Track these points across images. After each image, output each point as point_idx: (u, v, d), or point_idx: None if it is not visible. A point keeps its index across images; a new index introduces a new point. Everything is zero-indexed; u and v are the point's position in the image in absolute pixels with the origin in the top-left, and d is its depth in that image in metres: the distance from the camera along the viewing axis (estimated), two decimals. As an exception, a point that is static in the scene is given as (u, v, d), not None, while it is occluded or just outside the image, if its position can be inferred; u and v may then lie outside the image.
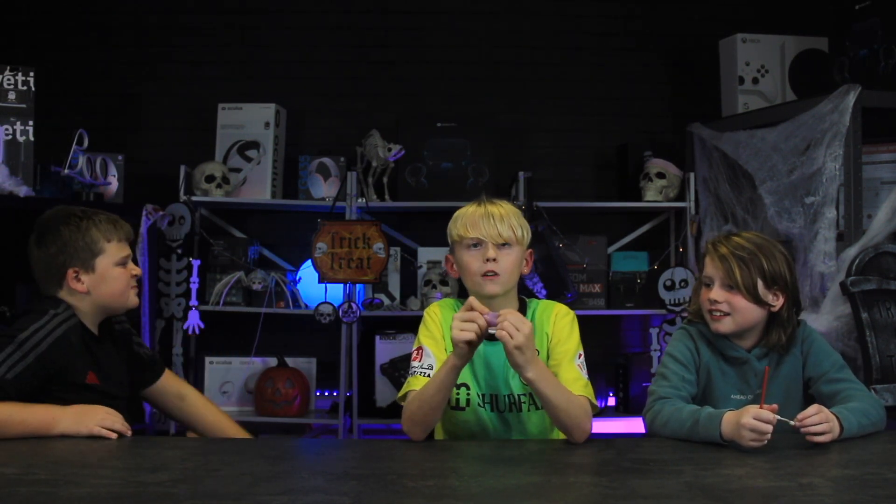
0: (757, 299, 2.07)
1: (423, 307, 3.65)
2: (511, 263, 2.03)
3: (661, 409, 2.02)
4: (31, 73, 3.27)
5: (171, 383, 2.35)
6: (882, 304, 2.94)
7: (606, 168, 4.16)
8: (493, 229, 2.01)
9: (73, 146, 3.30)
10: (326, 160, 3.83)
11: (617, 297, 3.90)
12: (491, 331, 1.84)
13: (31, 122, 3.25)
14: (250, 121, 3.86)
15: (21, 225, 3.09)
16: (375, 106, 4.13)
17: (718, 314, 2.09)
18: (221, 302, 3.72)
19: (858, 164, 3.07)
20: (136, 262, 2.26)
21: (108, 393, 2.10)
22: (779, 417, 1.81)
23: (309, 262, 3.70)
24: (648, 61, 4.19)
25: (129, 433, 2.01)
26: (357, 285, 3.70)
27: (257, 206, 3.93)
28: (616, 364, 3.92)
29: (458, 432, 2.10)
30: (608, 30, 4.20)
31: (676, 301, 3.71)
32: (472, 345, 1.85)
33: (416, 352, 2.06)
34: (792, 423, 1.85)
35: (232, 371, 3.82)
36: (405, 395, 1.99)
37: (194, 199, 3.72)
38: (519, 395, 2.06)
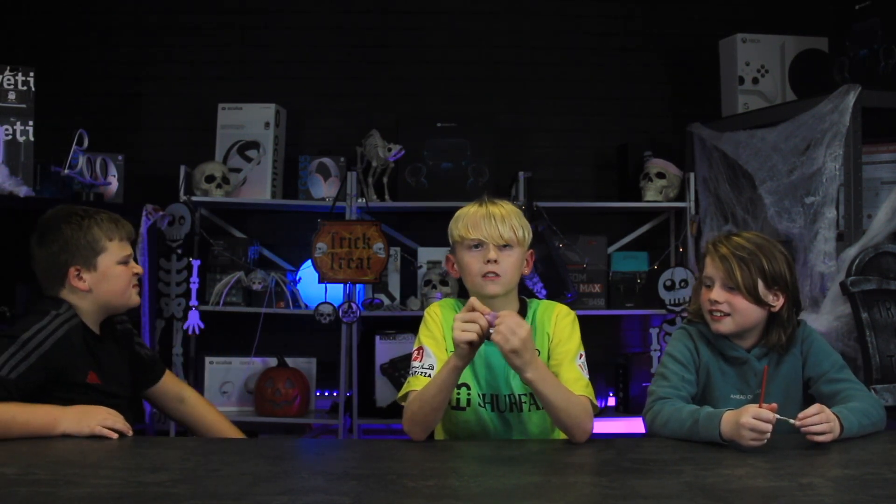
0: (757, 300, 2.07)
1: (423, 307, 3.65)
2: (512, 264, 2.03)
3: (660, 410, 2.02)
4: (31, 73, 3.26)
5: (171, 385, 2.36)
6: (882, 304, 2.94)
7: (606, 168, 4.16)
8: (494, 230, 2.01)
9: (73, 146, 3.30)
10: (326, 160, 3.83)
11: (617, 297, 3.90)
12: (491, 330, 1.85)
13: (31, 122, 3.25)
14: (250, 121, 3.86)
15: (21, 225, 3.09)
16: (375, 106, 4.13)
17: (719, 314, 2.10)
18: (221, 302, 3.72)
19: (858, 164, 3.07)
20: (136, 262, 2.27)
21: (109, 392, 2.10)
22: (778, 416, 1.81)
23: (309, 262, 3.70)
24: (648, 61, 4.19)
25: (130, 433, 2.01)
26: (357, 285, 3.70)
27: (257, 206, 3.93)
28: (616, 364, 3.92)
29: (458, 432, 2.10)
30: (608, 30, 4.20)
31: (676, 301, 3.71)
32: (473, 345, 1.85)
33: (416, 352, 2.06)
34: (792, 422, 1.85)
35: (232, 371, 3.82)
36: (406, 395, 1.99)
37: (194, 199, 3.72)
38: (520, 395, 2.06)
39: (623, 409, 3.85)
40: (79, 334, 2.08)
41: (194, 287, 3.63)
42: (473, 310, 1.85)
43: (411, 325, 3.20)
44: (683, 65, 4.17)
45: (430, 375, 1.97)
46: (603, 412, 3.82)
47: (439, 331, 2.07)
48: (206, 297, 3.74)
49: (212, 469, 1.69)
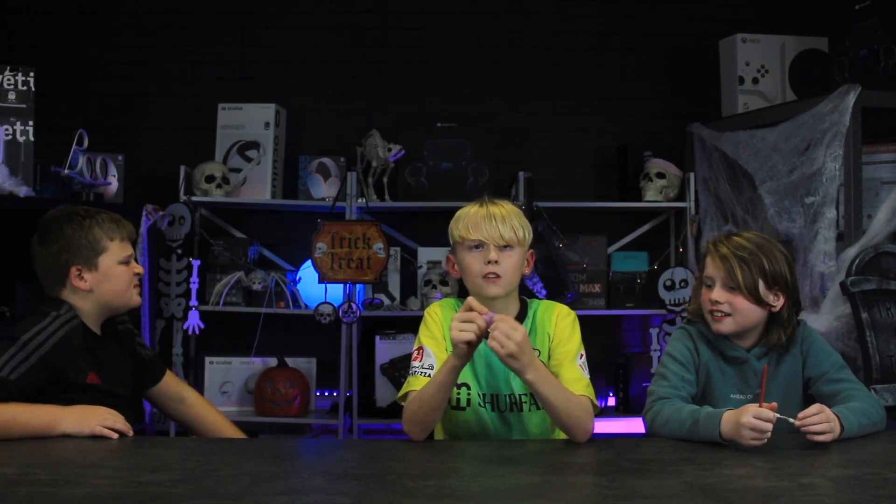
0: (758, 300, 2.07)
1: (423, 307, 3.65)
2: (512, 265, 2.03)
3: (660, 410, 2.02)
4: (31, 73, 3.27)
5: (171, 385, 2.36)
6: (882, 304, 2.94)
7: (606, 168, 4.16)
8: (494, 231, 2.01)
9: (73, 146, 3.30)
10: (326, 160, 3.83)
11: (617, 297, 3.90)
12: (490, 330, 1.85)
13: (31, 122, 3.25)
14: (250, 121, 3.86)
15: (21, 225, 3.09)
16: (375, 106, 4.13)
17: (720, 315, 2.10)
18: (221, 302, 3.72)
19: (858, 164, 3.07)
20: (136, 262, 2.27)
21: (109, 393, 2.11)
22: (779, 416, 1.81)
23: (309, 262, 3.70)
24: (648, 61, 4.20)
25: (130, 433, 2.01)
26: (357, 285, 3.70)
27: (257, 206, 3.93)
28: (616, 364, 3.92)
29: (458, 432, 2.10)
30: (608, 30, 4.20)
31: (676, 301, 3.71)
32: (471, 345, 1.85)
33: (416, 352, 2.06)
34: (792, 421, 1.86)
35: (232, 371, 3.82)
36: (405, 395, 1.99)
37: (194, 199, 3.72)
38: (520, 395, 2.06)
39: (623, 409, 3.85)
40: (79, 335, 2.09)
41: (194, 287, 3.63)
42: (471, 310, 1.85)
43: (411, 325, 3.20)
44: (683, 65, 4.17)
45: (429, 375, 1.97)
46: (603, 412, 3.82)
47: (439, 331, 2.07)
48: (206, 297, 3.74)
49: (212, 469, 1.69)
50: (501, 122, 4.09)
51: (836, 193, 3.07)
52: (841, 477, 1.66)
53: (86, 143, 3.35)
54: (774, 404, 1.82)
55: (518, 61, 4.18)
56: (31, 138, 3.25)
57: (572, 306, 2.25)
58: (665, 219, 4.09)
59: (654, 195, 3.80)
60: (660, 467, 1.72)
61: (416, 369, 2.02)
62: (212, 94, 3.98)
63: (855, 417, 1.92)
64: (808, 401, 2.07)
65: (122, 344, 2.25)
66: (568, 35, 4.20)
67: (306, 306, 3.76)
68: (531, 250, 2.12)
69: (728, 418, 1.85)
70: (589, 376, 2.03)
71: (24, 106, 3.25)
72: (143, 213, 3.50)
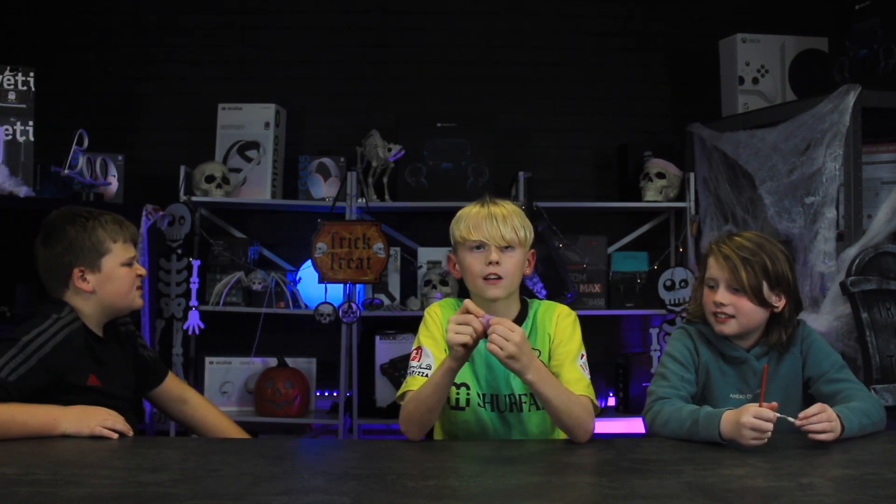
0: (761, 301, 2.07)
1: (423, 307, 3.65)
2: (513, 266, 2.03)
3: (660, 410, 2.02)
4: (31, 73, 3.27)
5: (173, 387, 2.36)
6: (882, 304, 2.94)
7: (606, 168, 4.16)
8: (495, 231, 2.00)
9: (73, 146, 3.30)
10: (326, 160, 3.83)
11: (617, 297, 3.90)
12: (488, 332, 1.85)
13: (31, 122, 3.25)
14: (250, 121, 3.86)
15: (21, 225, 3.10)
16: (375, 106, 4.12)
17: (724, 317, 2.09)
18: (221, 302, 3.72)
19: (858, 164, 3.07)
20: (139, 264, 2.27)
21: (110, 394, 2.11)
22: (779, 415, 1.81)
23: (309, 262, 3.70)
24: (648, 61, 4.19)
25: (130, 433, 2.01)
26: (357, 285, 3.70)
27: (257, 206, 3.93)
28: (616, 364, 3.92)
29: (457, 432, 2.10)
30: (608, 30, 4.20)
31: (676, 301, 3.71)
32: (467, 347, 1.85)
33: (415, 352, 2.06)
34: (792, 420, 1.86)
35: (232, 371, 3.82)
36: (404, 395, 1.99)
37: (194, 199, 3.72)
38: (520, 395, 2.06)
39: (623, 409, 3.85)
40: (80, 337, 2.09)
41: (194, 287, 3.63)
42: (467, 312, 1.85)
43: (411, 325, 3.20)
44: (683, 65, 4.17)
45: (427, 375, 1.97)
46: (603, 412, 3.82)
47: (439, 331, 2.07)
48: (206, 297, 3.74)
49: (212, 469, 1.69)
50: (501, 122, 4.09)
51: (836, 193, 3.07)
52: (841, 477, 1.66)
53: (86, 143, 3.36)
54: (775, 404, 1.82)
55: (518, 61, 4.18)
56: (31, 138, 3.25)
57: (572, 306, 2.25)
58: (665, 219, 4.09)
59: (654, 195, 3.80)
60: (660, 467, 1.72)
61: (415, 369, 2.02)
62: (212, 94, 3.98)
63: (856, 417, 1.92)
64: (807, 401, 2.07)
65: (123, 346, 2.25)
66: (568, 35, 4.20)
67: (306, 306, 3.76)
68: (532, 251, 2.12)
69: (728, 418, 1.85)
70: (589, 376, 2.03)
71: (24, 106, 3.25)
72: (143, 213, 3.50)
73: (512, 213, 2.05)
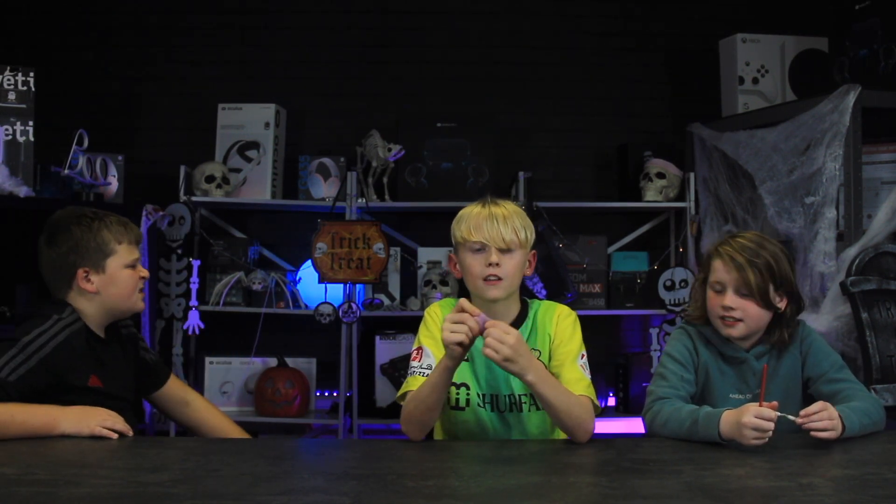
0: (767, 303, 2.07)
1: (423, 307, 3.65)
2: (514, 267, 2.02)
3: (660, 410, 2.02)
4: (31, 73, 3.27)
5: (175, 389, 2.36)
6: (882, 304, 2.94)
7: (606, 168, 4.16)
8: (496, 233, 2.00)
9: (73, 146, 3.30)
10: (326, 160, 3.83)
11: (617, 297, 3.90)
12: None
13: (31, 122, 3.25)
14: (250, 121, 3.86)
15: (21, 225, 3.10)
16: (375, 106, 4.13)
17: (731, 320, 2.09)
18: (221, 302, 3.72)
19: (858, 164, 3.07)
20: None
21: (111, 395, 2.11)
22: (780, 414, 1.81)
23: (309, 263, 3.70)
24: (648, 61, 4.19)
25: (130, 433, 2.01)
26: (357, 285, 3.70)
27: (257, 206, 3.93)
28: (616, 364, 3.92)
29: (457, 432, 2.10)
30: (608, 30, 4.20)
31: (676, 301, 3.71)
32: (463, 346, 1.85)
33: (415, 352, 2.06)
34: (792, 418, 1.86)
35: (232, 371, 3.82)
36: (404, 395, 2.00)
37: (194, 199, 3.72)
38: (520, 395, 2.06)
39: (623, 409, 3.85)
40: (81, 338, 2.09)
41: (194, 287, 3.63)
42: (463, 311, 1.85)
43: (411, 325, 3.20)
44: (683, 65, 4.17)
45: (427, 376, 1.97)
46: (603, 412, 3.82)
47: (439, 331, 2.06)
48: (206, 297, 3.74)
49: (212, 469, 1.69)
50: (501, 122, 4.09)
51: (836, 193, 3.07)
52: (841, 477, 1.66)
53: (86, 143, 3.36)
54: (775, 403, 1.83)
55: (518, 61, 4.18)
56: (31, 138, 3.25)
57: (572, 306, 2.25)
58: (665, 219, 4.09)
59: (654, 195, 3.80)
60: (660, 467, 1.72)
61: (415, 369, 2.02)
62: (212, 94, 3.98)
63: (856, 417, 1.92)
64: (807, 400, 2.07)
65: (125, 347, 2.25)
66: (568, 35, 4.20)
67: (306, 306, 3.76)
68: (533, 251, 2.11)
69: (727, 418, 1.85)
70: (590, 376, 2.03)
71: (24, 106, 3.25)
72: (143, 213, 3.50)
73: (513, 213, 2.04)
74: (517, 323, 2.09)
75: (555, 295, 3.48)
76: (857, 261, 2.96)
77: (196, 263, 3.65)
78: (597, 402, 1.99)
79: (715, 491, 1.53)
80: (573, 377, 2.00)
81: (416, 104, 4.13)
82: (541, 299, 2.26)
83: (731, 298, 2.08)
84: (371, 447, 1.96)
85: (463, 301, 1.88)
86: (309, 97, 4.13)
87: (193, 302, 3.63)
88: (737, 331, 2.10)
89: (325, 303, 3.63)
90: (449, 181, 3.83)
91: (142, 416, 3.33)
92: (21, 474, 1.61)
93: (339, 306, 3.62)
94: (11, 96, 3.24)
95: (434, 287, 3.73)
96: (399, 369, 3.64)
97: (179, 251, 3.67)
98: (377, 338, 3.74)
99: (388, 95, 4.15)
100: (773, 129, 3.32)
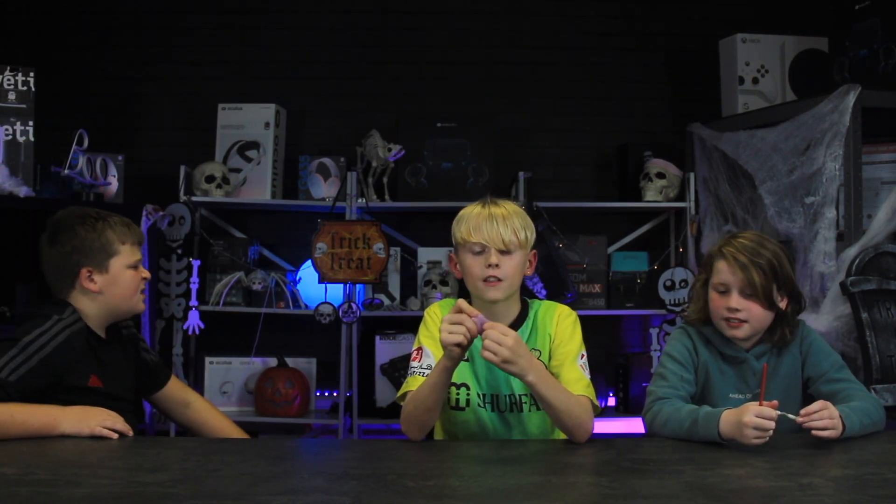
0: (771, 304, 2.07)
1: (423, 307, 3.65)
2: (513, 268, 2.02)
3: (660, 410, 2.02)
4: (31, 73, 3.27)
5: (176, 390, 2.37)
6: (882, 304, 2.94)
7: (606, 168, 4.16)
8: (495, 234, 2.00)
9: (73, 146, 3.30)
10: (326, 160, 3.83)
11: (617, 297, 3.90)
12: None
13: (31, 122, 3.25)
14: (250, 121, 3.86)
15: (21, 225, 3.10)
16: (375, 106, 4.12)
17: (736, 322, 2.09)
18: (221, 302, 3.72)
19: (858, 164, 3.07)
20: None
21: (111, 396, 2.11)
22: (780, 413, 1.81)
23: (309, 263, 3.70)
24: (648, 61, 4.19)
25: (130, 433, 2.01)
26: (357, 285, 3.70)
27: (257, 206, 3.93)
28: (616, 364, 3.92)
29: (457, 432, 2.10)
30: (608, 30, 4.20)
31: (676, 301, 3.71)
32: (462, 347, 1.85)
33: (415, 352, 2.06)
34: (793, 417, 1.86)
35: (232, 371, 3.82)
36: (404, 395, 2.00)
37: (194, 199, 3.72)
38: (520, 395, 2.06)
39: (623, 409, 3.85)
40: (81, 339, 2.09)
41: (194, 287, 3.63)
42: (460, 311, 1.85)
43: (411, 325, 3.20)
44: (683, 65, 4.17)
45: (427, 376, 1.97)
46: (603, 412, 3.82)
47: (439, 331, 2.07)
48: (206, 297, 3.74)
49: (212, 469, 1.69)
50: (501, 122, 4.09)
51: (836, 193, 3.07)
52: (841, 477, 1.66)
53: (86, 143, 3.35)
54: (775, 402, 1.83)
55: (518, 61, 4.18)
56: (31, 138, 3.25)
57: (572, 306, 2.25)
58: (665, 219, 4.09)
59: (654, 195, 3.80)
60: (660, 467, 1.72)
61: (415, 369, 2.02)
62: (212, 94, 3.98)
63: (856, 417, 1.92)
64: (807, 400, 2.07)
65: (125, 348, 2.26)
66: (568, 35, 4.20)
67: (306, 306, 3.76)
68: (534, 251, 2.11)
69: (727, 418, 1.85)
70: (589, 376, 2.03)
71: (24, 106, 3.25)
72: (143, 213, 3.50)
73: (513, 213, 2.04)
74: (517, 323, 2.09)
75: (555, 295, 3.48)
76: (857, 261, 2.96)
77: (196, 263, 3.65)
78: (596, 402, 1.99)
79: (715, 491, 1.53)
80: (573, 377, 2.00)
81: (416, 104, 4.13)
82: (541, 299, 2.26)
83: (736, 300, 2.08)
84: (371, 447, 1.96)
85: (461, 302, 1.88)
86: (309, 97, 4.13)
87: (193, 302, 3.63)
88: (742, 332, 2.10)
89: (325, 303, 3.63)
90: (449, 181, 3.83)
91: (142, 417, 3.33)
92: (21, 474, 1.61)
93: (339, 306, 3.62)
94: (11, 96, 3.24)
95: (434, 287, 3.73)
96: (399, 369, 3.64)
97: (179, 251, 3.67)
98: (377, 338, 3.74)
99: (388, 95, 4.15)
100: (773, 129, 3.32)
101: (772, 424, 1.79)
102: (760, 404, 1.81)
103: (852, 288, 2.93)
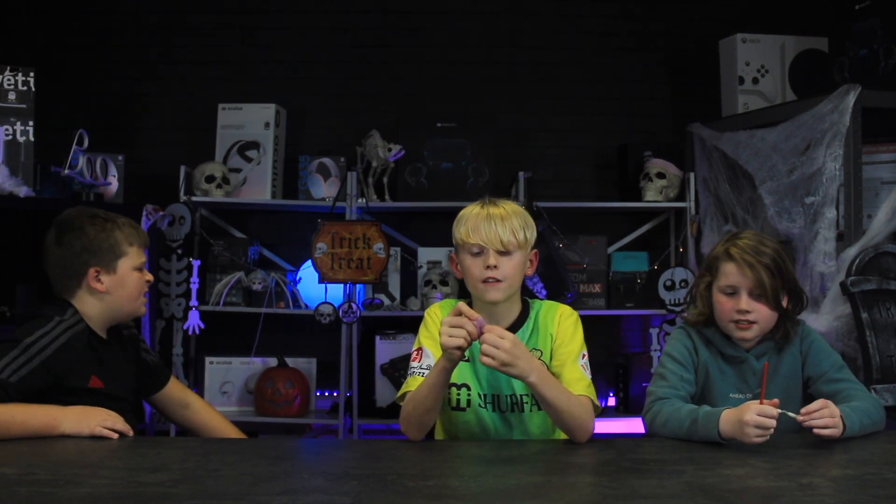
0: (778, 304, 2.07)
1: (423, 307, 3.65)
2: (513, 268, 2.02)
3: (659, 410, 2.02)
4: (31, 73, 3.27)
5: (176, 391, 2.37)
6: (882, 304, 2.94)
7: (606, 168, 4.16)
8: (494, 235, 1.99)
9: (73, 146, 3.30)
10: (326, 160, 3.83)
11: (617, 297, 3.90)
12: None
13: (31, 122, 3.25)
14: (250, 121, 3.86)
15: (21, 225, 3.10)
16: (375, 106, 4.12)
17: (745, 324, 2.09)
18: (221, 302, 3.72)
19: (858, 164, 3.07)
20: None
21: (112, 396, 2.11)
22: (780, 411, 1.81)
23: (309, 263, 3.70)
24: (648, 61, 4.19)
25: (130, 433, 2.01)
26: (357, 285, 3.70)
27: (257, 206, 3.93)
28: (616, 364, 3.92)
29: (458, 433, 2.10)
30: (608, 30, 4.20)
31: (676, 301, 3.71)
32: (461, 349, 1.85)
33: (415, 352, 2.06)
34: (792, 415, 1.86)
35: (232, 371, 3.82)
36: (404, 396, 1.99)
37: (194, 199, 3.72)
38: (521, 395, 2.06)
39: (623, 409, 3.85)
40: (83, 339, 2.09)
41: (194, 287, 3.63)
42: (460, 314, 1.85)
43: (411, 325, 3.20)
44: (683, 65, 4.17)
45: (426, 376, 1.97)
46: (603, 412, 3.82)
47: (439, 331, 2.06)
48: (207, 297, 3.74)
49: (212, 469, 1.69)
50: (501, 122, 4.08)
51: (836, 193, 3.07)
52: (841, 477, 1.66)
53: (86, 143, 3.35)
54: (776, 401, 1.83)
55: (518, 61, 4.18)
56: (31, 138, 3.25)
57: (573, 306, 2.25)
58: (665, 219, 4.09)
59: (654, 195, 3.80)
60: (660, 467, 1.72)
61: (415, 370, 2.02)
62: (212, 94, 3.98)
63: (857, 416, 1.92)
64: (807, 400, 2.07)
65: (126, 348, 2.26)
66: (568, 35, 4.20)
67: (306, 306, 3.76)
68: (535, 250, 2.10)
69: (727, 417, 1.85)
70: (590, 376, 2.03)
71: (24, 106, 3.25)
72: (143, 213, 3.50)
73: (512, 213, 2.03)
74: (518, 324, 2.09)
75: (555, 295, 3.48)
76: (857, 261, 2.96)
77: (196, 263, 3.65)
78: (597, 402, 1.99)
79: (715, 491, 1.53)
80: (574, 377, 2.00)
81: (416, 104, 4.13)
82: (541, 299, 2.25)
83: (745, 301, 2.07)
84: (371, 447, 1.96)
85: (461, 305, 1.88)
86: (309, 97, 4.13)
87: (193, 302, 3.63)
88: (751, 333, 2.09)
89: (325, 303, 3.63)
90: (449, 181, 3.83)
91: (142, 417, 3.33)
92: (21, 474, 1.61)
93: (339, 306, 3.62)
94: (11, 96, 3.24)
95: (434, 287, 3.73)
96: (399, 369, 3.64)
97: (179, 251, 3.67)
98: (377, 338, 3.74)
99: (388, 95, 4.15)
100: (773, 129, 3.32)
101: (773, 423, 1.79)
102: (761, 403, 1.81)
103: (852, 288, 2.93)
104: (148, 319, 3.52)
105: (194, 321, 3.62)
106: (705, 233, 3.74)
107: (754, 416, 1.79)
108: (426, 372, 1.98)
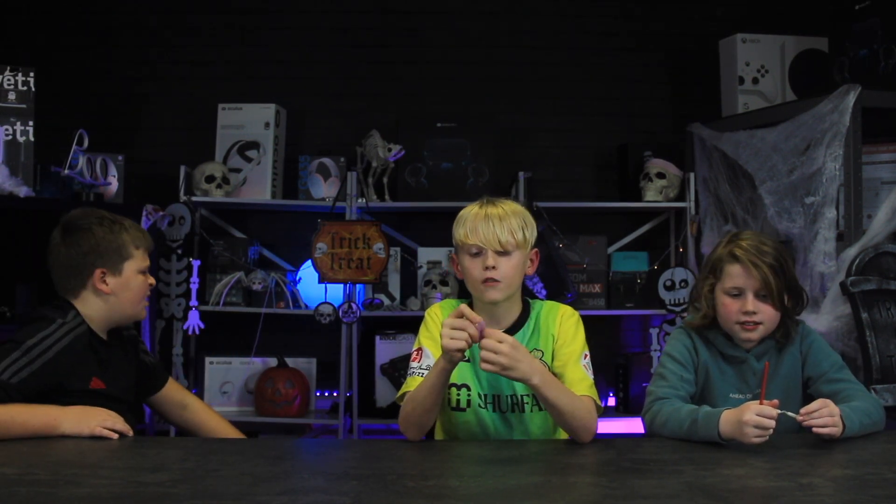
0: (782, 304, 2.07)
1: (423, 307, 3.65)
2: (512, 268, 2.01)
3: (659, 410, 2.02)
4: (31, 73, 3.27)
5: (174, 392, 2.37)
6: (882, 304, 2.94)
7: (606, 168, 4.16)
8: (492, 235, 1.99)
9: (73, 146, 3.30)
10: (326, 160, 3.83)
11: (617, 297, 3.90)
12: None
13: (31, 123, 3.26)
14: (250, 121, 3.86)
15: (21, 225, 3.10)
16: (375, 106, 4.12)
17: (752, 325, 2.08)
18: (221, 302, 3.72)
19: (858, 164, 3.07)
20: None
21: (112, 397, 2.11)
22: (780, 411, 1.81)
23: (309, 263, 3.70)
24: (648, 61, 4.19)
25: (130, 433, 2.01)
26: (357, 285, 3.70)
27: (257, 206, 3.93)
28: (616, 364, 3.92)
29: (458, 433, 2.10)
30: (608, 30, 4.20)
31: (676, 301, 3.71)
32: (463, 351, 1.85)
33: (415, 352, 2.06)
34: (791, 415, 1.86)
35: (232, 371, 3.82)
36: (403, 396, 1.99)
37: (194, 199, 3.72)
38: (522, 396, 2.06)
39: (623, 409, 3.85)
40: (84, 341, 2.09)
41: (194, 287, 3.63)
42: (461, 316, 1.84)
43: (411, 325, 3.20)
44: (683, 65, 4.17)
45: (425, 376, 1.97)
46: (603, 412, 3.81)
47: (439, 332, 2.06)
48: (206, 297, 3.74)
49: (212, 469, 1.69)
50: (501, 122, 4.08)
51: (836, 193, 3.07)
52: (841, 477, 1.66)
53: (86, 143, 3.35)
54: (776, 401, 1.83)
55: (518, 61, 4.18)
56: (31, 138, 3.25)
57: (573, 306, 2.25)
58: (665, 219, 4.09)
59: (654, 195, 3.80)
60: (660, 467, 1.72)
61: (415, 370, 2.02)
62: (212, 94, 3.98)
63: (856, 416, 1.92)
64: (807, 400, 2.07)
65: (126, 349, 2.26)
66: (568, 35, 4.20)
67: (306, 306, 3.76)
68: (535, 250, 2.09)
69: (727, 417, 1.85)
70: (593, 376, 2.03)
71: (24, 106, 3.26)
72: (143, 213, 3.50)
73: (510, 213, 2.02)
74: (518, 324, 2.09)
75: (555, 295, 3.48)
76: (857, 261, 2.96)
77: (196, 263, 3.65)
78: (599, 403, 1.99)
79: (715, 491, 1.53)
80: (576, 377, 2.00)
81: (416, 104, 4.13)
82: (542, 299, 2.25)
83: (752, 302, 2.07)
84: (371, 447, 1.96)
85: (463, 307, 1.88)
86: (309, 97, 4.13)
87: (193, 302, 3.63)
88: (756, 334, 2.09)
89: (325, 303, 3.63)
90: (449, 181, 3.83)
91: (141, 417, 3.33)
92: (21, 474, 1.61)
93: (339, 306, 3.62)
94: (11, 96, 3.24)
95: (434, 287, 3.73)
96: (399, 369, 3.64)
97: (179, 251, 3.67)
98: (377, 338, 3.74)
99: (388, 95, 4.15)
100: (773, 129, 3.32)
101: (772, 423, 1.79)
102: (761, 403, 1.81)
103: (852, 288, 2.93)
104: (148, 320, 3.52)
105: (194, 321, 3.62)
106: (705, 233, 3.74)
107: (754, 416, 1.79)
108: (426, 372, 1.98)
